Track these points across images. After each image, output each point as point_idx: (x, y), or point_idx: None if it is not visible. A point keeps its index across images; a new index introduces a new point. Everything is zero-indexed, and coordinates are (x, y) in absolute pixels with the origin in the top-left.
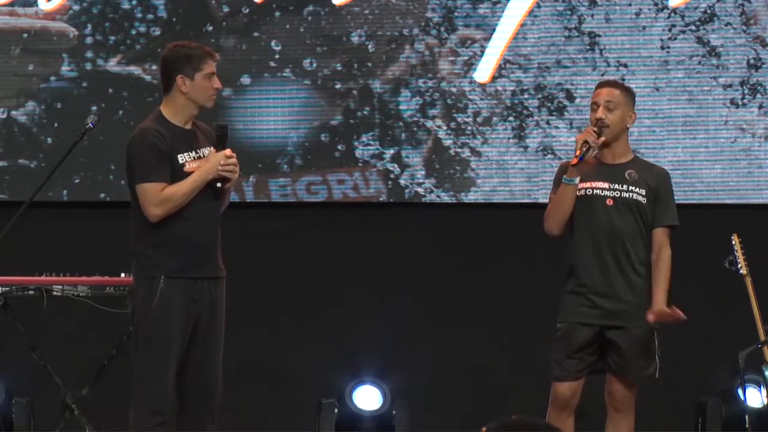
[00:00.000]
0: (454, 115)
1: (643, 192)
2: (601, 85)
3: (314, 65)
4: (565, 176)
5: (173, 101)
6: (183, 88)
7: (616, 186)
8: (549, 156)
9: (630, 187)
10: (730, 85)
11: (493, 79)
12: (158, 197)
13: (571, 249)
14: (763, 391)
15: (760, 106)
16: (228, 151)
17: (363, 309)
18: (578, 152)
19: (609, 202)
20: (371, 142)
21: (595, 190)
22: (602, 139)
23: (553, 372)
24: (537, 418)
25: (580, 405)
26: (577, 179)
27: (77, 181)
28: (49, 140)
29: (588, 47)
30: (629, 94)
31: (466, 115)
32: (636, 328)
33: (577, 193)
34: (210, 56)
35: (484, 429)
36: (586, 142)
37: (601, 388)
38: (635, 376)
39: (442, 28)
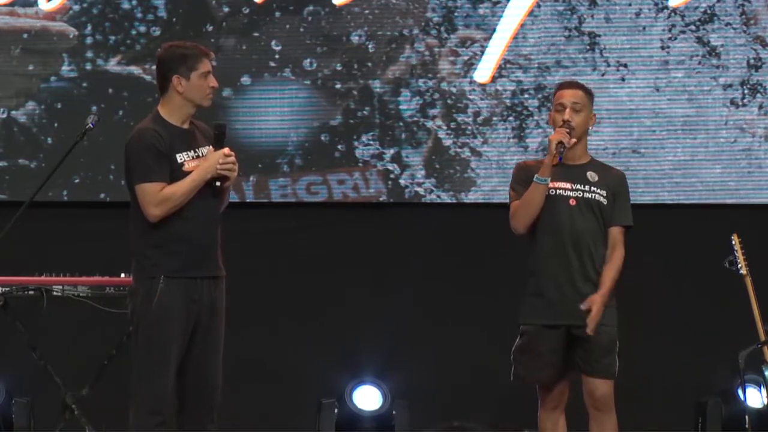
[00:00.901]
0: (454, 115)
1: (604, 193)
2: (565, 86)
3: (314, 65)
4: (536, 176)
5: (170, 101)
6: (179, 88)
7: (579, 186)
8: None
9: (592, 188)
10: (730, 85)
11: (493, 79)
12: (157, 197)
13: (534, 249)
14: (763, 391)
15: (760, 106)
16: (226, 150)
17: (363, 309)
18: (555, 153)
19: (572, 202)
20: (371, 142)
21: (558, 191)
22: (574, 140)
23: (516, 374)
24: (477, 425)
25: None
26: (549, 179)
27: (77, 181)
28: (49, 140)
29: (588, 47)
30: (591, 95)
31: (466, 115)
32: (601, 326)
33: None
34: (205, 55)
35: None
36: (561, 142)
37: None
38: (606, 371)
39: (442, 28)
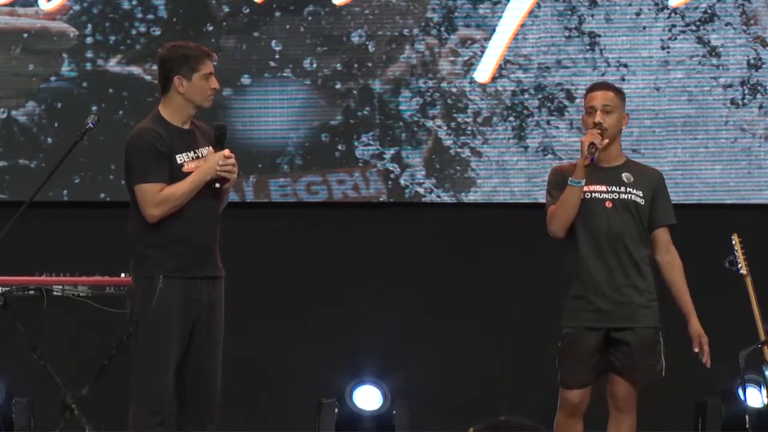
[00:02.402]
0: (454, 115)
1: (641, 194)
2: (595, 88)
3: (314, 65)
4: (571, 178)
5: (171, 102)
6: (180, 88)
7: (614, 188)
8: (549, 156)
9: (628, 189)
10: (730, 85)
11: (493, 79)
12: (156, 198)
13: (571, 253)
14: (763, 391)
15: (760, 106)
16: (226, 152)
17: (363, 309)
18: (587, 154)
19: (608, 204)
20: (371, 142)
21: (593, 194)
22: (606, 141)
23: (561, 378)
24: (523, 419)
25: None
26: (584, 181)
27: (77, 181)
28: (49, 140)
29: (588, 47)
30: (622, 95)
31: (467, 115)
32: (642, 328)
33: None
34: (207, 56)
35: (471, 429)
36: (593, 144)
37: (602, 388)
38: (643, 375)
39: (443, 28)
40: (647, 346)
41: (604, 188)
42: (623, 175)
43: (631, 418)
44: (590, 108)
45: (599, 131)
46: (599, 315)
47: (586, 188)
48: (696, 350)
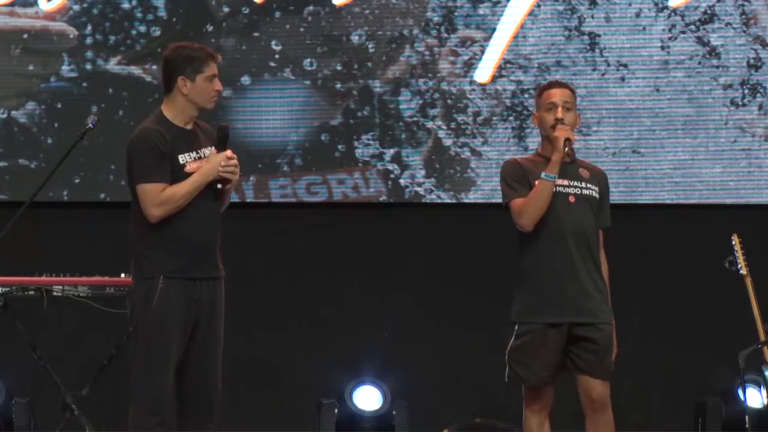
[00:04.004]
0: (454, 115)
1: (597, 189)
2: (553, 85)
3: (314, 65)
4: (545, 172)
5: (174, 102)
6: (184, 89)
7: (576, 183)
8: None
9: (587, 184)
10: (730, 86)
11: (493, 79)
12: (158, 198)
13: (532, 247)
14: (763, 391)
15: (760, 107)
16: (229, 153)
17: (363, 309)
18: (566, 149)
19: (571, 198)
20: (371, 142)
21: (557, 188)
22: (575, 136)
23: (524, 376)
24: (498, 422)
25: (569, 405)
26: (557, 175)
27: (77, 181)
28: (49, 140)
29: (588, 47)
30: (576, 95)
31: (466, 115)
32: (604, 324)
33: None
34: (212, 58)
35: (445, 431)
36: (568, 138)
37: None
38: (607, 371)
39: (442, 29)
40: (609, 342)
41: (566, 182)
42: (580, 170)
43: (608, 414)
44: (550, 104)
45: (568, 127)
46: (562, 309)
47: None
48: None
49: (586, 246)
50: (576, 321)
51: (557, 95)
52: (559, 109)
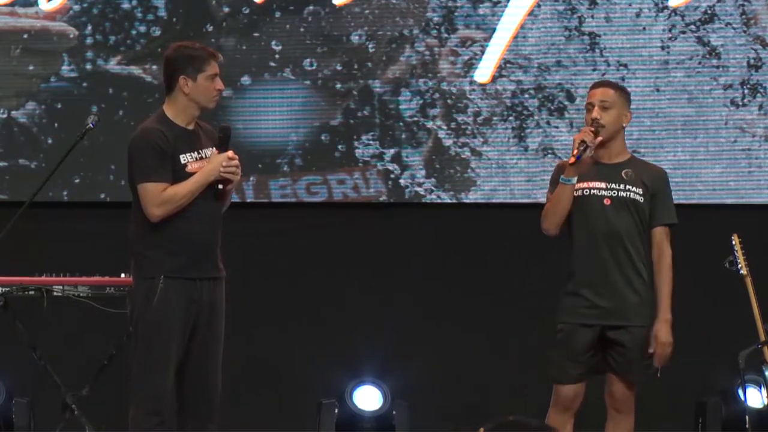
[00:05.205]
0: (454, 115)
1: (641, 191)
2: (596, 85)
3: (314, 65)
4: (562, 176)
5: (175, 102)
6: (185, 89)
7: (613, 185)
8: (549, 156)
9: (627, 186)
10: (730, 86)
11: (494, 79)
12: (159, 198)
13: (570, 250)
14: (763, 391)
15: (760, 107)
16: (230, 153)
17: (363, 309)
18: (575, 152)
19: (606, 201)
20: (371, 142)
21: (592, 190)
22: (599, 138)
23: (554, 375)
24: (532, 419)
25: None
26: (575, 179)
27: (77, 181)
28: (49, 140)
29: (588, 47)
30: (624, 93)
31: (466, 115)
32: (637, 327)
33: (575, 194)
34: (213, 57)
35: (481, 429)
36: (583, 141)
37: (600, 388)
38: (638, 375)
39: (443, 29)
40: (642, 344)
41: (603, 185)
42: (623, 172)
43: (629, 419)
44: (589, 104)
45: (592, 129)
46: (594, 312)
47: (585, 184)
48: (650, 351)
49: (622, 248)
50: (606, 324)
51: (596, 95)
52: (596, 108)
